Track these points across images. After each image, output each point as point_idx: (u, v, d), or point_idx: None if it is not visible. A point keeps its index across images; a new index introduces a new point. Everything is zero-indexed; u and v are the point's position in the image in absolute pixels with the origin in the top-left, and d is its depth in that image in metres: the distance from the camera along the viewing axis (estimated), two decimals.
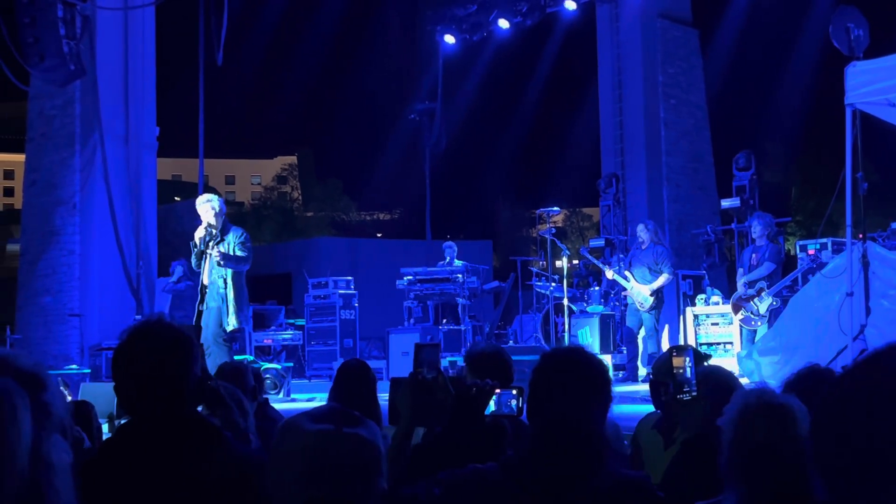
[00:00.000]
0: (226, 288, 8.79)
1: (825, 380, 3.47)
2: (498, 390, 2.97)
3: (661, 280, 10.99)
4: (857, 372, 1.10)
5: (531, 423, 2.48)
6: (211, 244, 8.73)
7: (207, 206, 8.88)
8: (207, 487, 2.22)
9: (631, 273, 11.12)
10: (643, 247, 11.25)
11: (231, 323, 8.76)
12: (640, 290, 10.97)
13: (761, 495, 2.21)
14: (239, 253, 8.84)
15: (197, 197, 15.27)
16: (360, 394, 4.20)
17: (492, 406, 3.01)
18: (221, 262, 8.75)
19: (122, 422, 2.50)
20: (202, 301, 8.62)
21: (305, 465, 1.75)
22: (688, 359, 3.47)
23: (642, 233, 11.30)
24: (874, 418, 1.03)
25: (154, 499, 2.21)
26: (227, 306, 8.77)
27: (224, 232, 8.86)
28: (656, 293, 11.02)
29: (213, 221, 8.78)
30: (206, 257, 8.77)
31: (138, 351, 2.39)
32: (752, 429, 2.29)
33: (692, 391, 3.35)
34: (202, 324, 8.71)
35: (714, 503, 2.36)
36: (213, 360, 8.05)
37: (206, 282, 8.74)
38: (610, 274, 11.61)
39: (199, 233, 8.83)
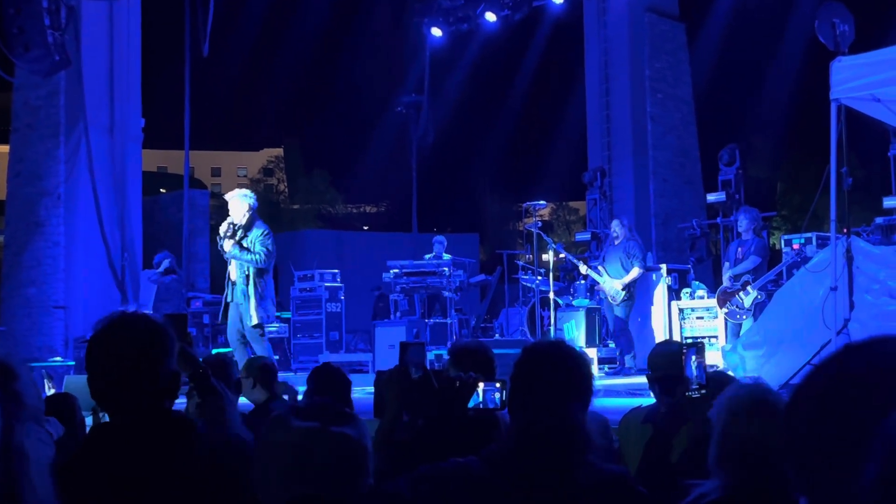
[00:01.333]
0: (247, 284, 8.85)
1: None
2: (482, 384, 2.97)
3: (632, 274, 11.07)
4: (828, 365, 1.11)
5: (512, 417, 2.48)
6: (234, 238, 8.80)
7: (238, 202, 8.93)
8: (186, 482, 2.21)
9: (604, 268, 11.21)
10: (616, 242, 11.33)
11: (253, 318, 8.81)
12: (611, 285, 11.05)
13: (744, 487, 2.23)
14: (259, 248, 8.85)
15: (183, 189, 15.32)
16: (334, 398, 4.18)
17: (477, 398, 3.01)
18: (234, 255, 8.84)
19: (105, 416, 2.47)
20: (230, 296, 8.79)
21: (291, 463, 1.75)
22: (697, 356, 3.48)
23: (617, 228, 11.39)
24: (839, 411, 1.04)
25: (134, 496, 2.20)
26: (249, 302, 8.82)
27: (248, 228, 8.88)
28: (627, 287, 11.10)
29: (239, 218, 8.84)
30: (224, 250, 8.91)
31: (112, 343, 2.34)
32: (738, 422, 2.30)
33: (702, 389, 3.35)
34: (230, 318, 8.86)
35: (696, 484, 2.36)
36: (251, 354, 8.28)
37: (232, 277, 8.86)
38: (583, 269, 11.72)
39: (223, 227, 8.91)
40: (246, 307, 8.86)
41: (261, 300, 8.89)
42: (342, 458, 1.76)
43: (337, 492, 1.75)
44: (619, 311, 11.20)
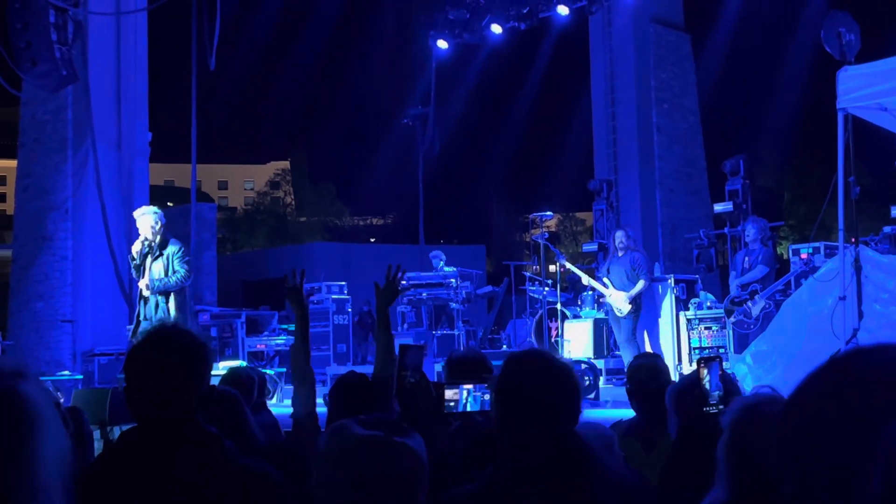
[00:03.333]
0: (167, 302, 8.71)
1: None
2: (469, 385, 2.94)
3: (638, 287, 10.95)
4: (828, 371, 1.09)
5: (501, 432, 2.41)
6: (148, 258, 8.66)
7: (146, 219, 8.76)
8: (208, 496, 2.21)
9: (609, 280, 11.10)
10: (620, 253, 11.21)
11: None
12: (617, 297, 10.96)
13: (749, 496, 2.21)
14: (178, 267, 8.71)
15: (191, 202, 15.35)
16: (358, 411, 4.15)
17: (467, 406, 2.99)
18: (153, 291, 8.66)
19: (121, 428, 2.47)
20: (144, 314, 8.60)
21: (354, 470, 1.74)
22: (711, 370, 3.45)
23: (623, 239, 11.25)
24: (836, 419, 1.03)
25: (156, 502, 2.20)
26: (170, 319, 8.68)
27: (162, 246, 8.74)
28: (633, 300, 11.00)
29: (149, 235, 8.69)
30: (142, 270, 8.71)
31: (156, 355, 2.37)
32: (746, 434, 2.29)
33: (719, 405, 3.32)
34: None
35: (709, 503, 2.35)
36: None
37: (146, 294, 8.70)
38: (586, 280, 11.59)
39: (136, 246, 8.76)
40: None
41: (184, 317, 8.79)
42: (404, 469, 1.76)
43: (395, 502, 1.75)
44: (625, 324, 11.09)
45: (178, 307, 8.72)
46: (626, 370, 11.02)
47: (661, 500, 3.12)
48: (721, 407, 3.39)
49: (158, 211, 8.96)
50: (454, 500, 2.35)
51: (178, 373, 2.34)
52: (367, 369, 12.71)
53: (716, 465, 2.26)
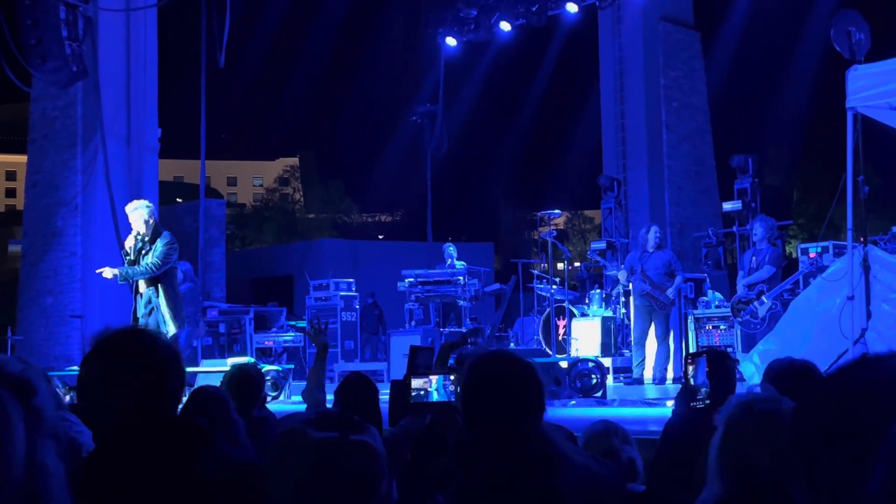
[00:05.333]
0: (158, 296, 8.74)
1: (810, 376, 3.45)
2: (433, 377, 2.96)
3: (678, 281, 11.09)
4: (838, 374, 1.11)
5: (468, 432, 2.43)
6: (142, 252, 8.71)
7: (138, 214, 8.79)
8: (200, 488, 2.20)
9: (648, 276, 11.07)
10: (651, 250, 11.21)
11: (170, 330, 8.70)
12: (660, 291, 10.99)
13: (743, 493, 2.22)
14: (152, 260, 8.71)
15: (200, 198, 15.39)
16: (361, 411, 4.17)
17: (434, 395, 3.01)
18: (122, 279, 8.70)
19: None
20: (139, 309, 8.68)
21: (310, 475, 1.71)
22: (698, 366, 3.44)
23: (654, 236, 11.24)
24: (846, 420, 1.04)
25: (147, 501, 2.19)
26: (163, 314, 8.72)
27: (153, 240, 8.78)
28: (675, 294, 11.15)
29: (142, 229, 8.73)
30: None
31: (105, 360, 2.28)
32: (740, 433, 2.29)
33: (705, 400, 3.31)
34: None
35: (703, 500, 2.35)
36: None
37: (141, 290, 8.74)
38: (623, 277, 11.50)
39: (129, 241, 8.81)
40: (161, 319, 8.72)
41: (175, 309, 8.82)
42: (362, 467, 1.74)
43: (356, 501, 1.73)
44: (663, 319, 11.10)
45: (168, 300, 8.72)
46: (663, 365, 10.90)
47: (649, 496, 3.12)
48: (707, 402, 3.38)
49: (150, 205, 8.98)
50: None
51: (145, 369, 2.26)
52: (378, 366, 12.63)
53: (703, 462, 2.27)
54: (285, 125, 60.96)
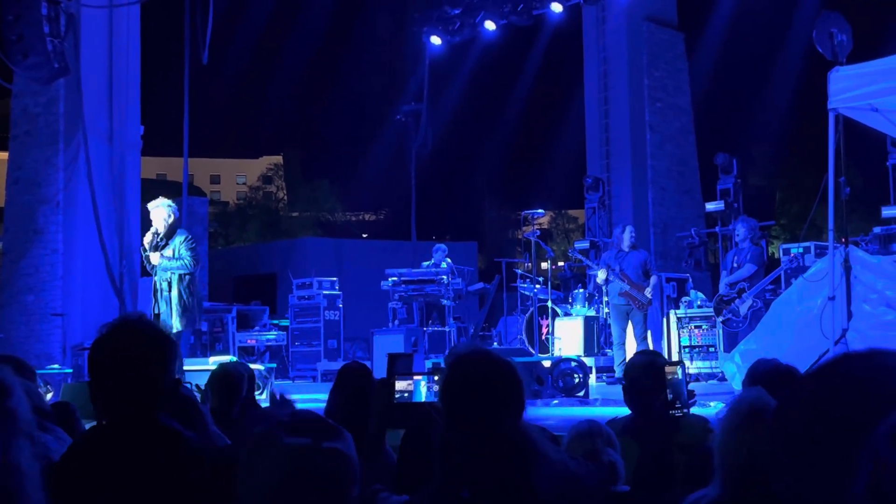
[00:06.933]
0: (170, 291, 8.79)
1: (793, 380, 3.47)
2: (418, 377, 2.96)
3: (653, 281, 11.12)
4: (820, 374, 1.10)
5: (448, 432, 2.43)
6: (157, 248, 8.79)
7: (160, 212, 8.93)
8: (172, 487, 2.19)
9: (626, 275, 11.10)
10: (627, 250, 11.24)
11: (175, 326, 8.72)
12: (639, 290, 11.02)
13: (738, 498, 2.23)
14: (184, 253, 8.84)
15: (182, 196, 15.33)
16: (361, 398, 4.13)
17: (422, 395, 3.00)
18: (164, 265, 8.84)
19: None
20: (156, 304, 8.78)
21: (281, 481, 1.70)
22: (678, 372, 3.44)
23: (629, 236, 11.27)
24: (828, 420, 1.04)
25: (119, 500, 2.18)
26: (171, 309, 8.76)
27: (169, 236, 8.87)
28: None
29: (161, 227, 8.83)
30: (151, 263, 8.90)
31: (118, 349, 2.32)
32: (737, 432, 2.30)
33: (684, 407, 3.32)
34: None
35: (701, 497, 2.36)
36: None
37: (159, 286, 8.86)
38: (602, 276, 11.50)
39: (147, 238, 8.94)
40: (169, 313, 8.78)
41: (186, 307, 8.87)
42: (334, 473, 1.73)
43: None
44: (640, 319, 11.13)
45: (179, 298, 8.78)
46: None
47: (632, 500, 3.13)
48: (685, 411, 3.39)
49: (172, 204, 9.16)
50: None
51: (140, 367, 2.30)
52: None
53: (681, 467, 2.28)
54: (269, 123, 60.79)
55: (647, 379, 4.03)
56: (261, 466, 1.72)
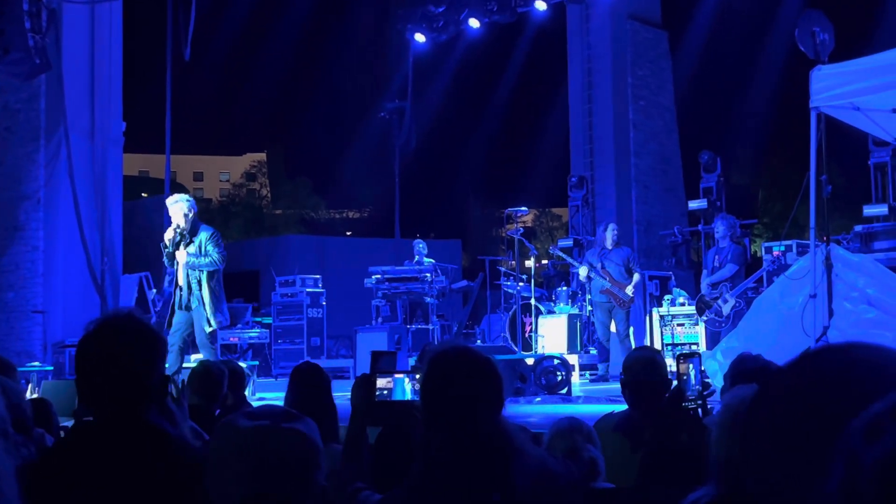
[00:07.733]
0: (200, 289, 8.76)
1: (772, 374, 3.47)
2: (400, 374, 2.96)
3: (636, 278, 11.14)
4: (793, 368, 1.10)
5: (428, 430, 2.43)
6: (181, 245, 8.74)
7: (178, 207, 8.87)
8: (157, 490, 2.18)
9: (608, 272, 11.12)
10: (610, 247, 11.26)
11: (211, 324, 8.72)
12: (620, 288, 11.03)
13: (735, 496, 2.23)
14: (211, 250, 8.80)
15: (164, 193, 15.25)
16: (315, 396, 4.13)
17: (408, 392, 3.00)
18: (192, 263, 8.75)
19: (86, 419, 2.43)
20: (179, 303, 8.68)
21: (243, 462, 1.73)
22: (692, 366, 3.43)
23: (612, 234, 11.29)
24: (800, 417, 1.03)
25: (103, 501, 2.17)
26: (205, 308, 8.73)
27: (193, 232, 8.82)
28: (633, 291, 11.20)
29: (182, 222, 8.77)
30: (175, 259, 8.81)
31: (105, 345, 2.31)
32: (731, 429, 2.30)
33: (697, 402, 3.31)
34: (174, 324, 8.74)
35: (700, 496, 2.35)
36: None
37: (181, 283, 8.78)
38: (584, 273, 11.52)
39: (169, 234, 8.84)
40: (202, 313, 8.73)
41: (217, 304, 8.83)
42: (295, 453, 1.75)
43: (290, 488, 1.74)
44: (623, 316, 11.14)
45: (212, 295, 8.73)
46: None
47: (640, 497, 3.13)
48: (699, 403, 3.39)
49: (190, 199, 9.08)
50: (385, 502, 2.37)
51: (127, 364, 2.28)
52: (344, 363, 12.60)
53: (693, 461, 2.27)
54: (252, 120, 60.56)
55: (647, 375, 4.04)
56: (223, 451, 1.74)
